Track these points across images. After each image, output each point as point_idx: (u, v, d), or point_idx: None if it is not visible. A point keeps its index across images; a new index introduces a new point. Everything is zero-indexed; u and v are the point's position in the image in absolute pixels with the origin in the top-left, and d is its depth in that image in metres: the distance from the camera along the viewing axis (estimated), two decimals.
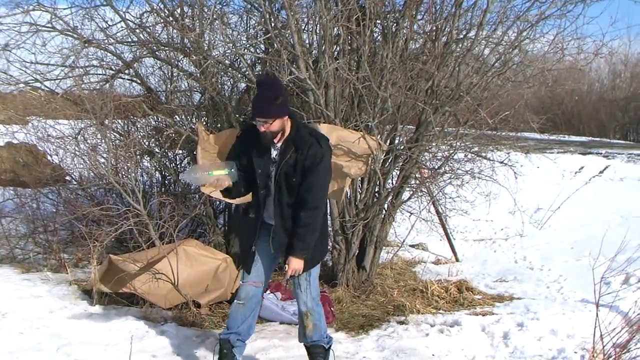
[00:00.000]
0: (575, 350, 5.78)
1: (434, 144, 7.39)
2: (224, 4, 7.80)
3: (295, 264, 4.78)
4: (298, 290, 5.03)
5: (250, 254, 5.02)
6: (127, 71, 7.99)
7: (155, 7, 7.54)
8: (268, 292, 6.59)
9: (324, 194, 4.97)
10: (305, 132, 4.88)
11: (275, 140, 4.81)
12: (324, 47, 6.68)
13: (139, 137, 8.29)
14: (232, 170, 4.74)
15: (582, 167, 15.35)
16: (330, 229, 7.42)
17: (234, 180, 4.77)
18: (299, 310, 5.13)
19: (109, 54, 7.86)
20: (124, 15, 7.64)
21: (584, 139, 24.65)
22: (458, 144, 7.48)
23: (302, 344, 5.24)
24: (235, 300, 5.18)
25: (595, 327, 5.12)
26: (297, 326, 5.30)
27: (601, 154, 18.04)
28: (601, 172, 15.24)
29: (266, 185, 4.87)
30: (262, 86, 4.84)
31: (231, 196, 5.08)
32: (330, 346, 5.25)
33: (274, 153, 4.85)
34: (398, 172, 7.50)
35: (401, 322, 6.49)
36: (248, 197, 5.20)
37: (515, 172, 7.97)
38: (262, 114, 4.68)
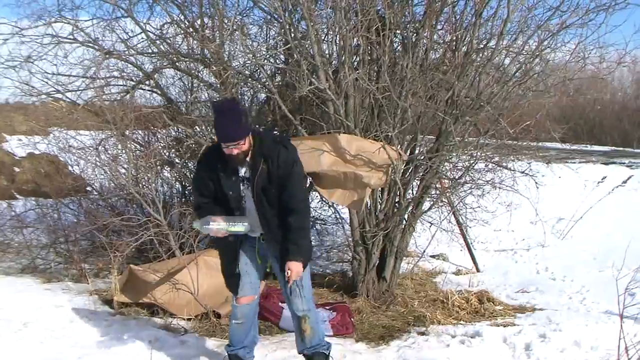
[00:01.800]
0: None
1: (454, 154, 7.36)
2: (244, 15, 7.85)
3: (296, 267, 4.73)
4: (292, 297, 4.98)
5: (235, 276, 5.02)
6: (147, 82, 8.04)
7: (175, 19, 7.60)
8: None
9: (306, 195, 5.05)
10: (269, 141, 4.86)
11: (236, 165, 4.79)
12: (343, 58, 6.67)
13: (160, 147, 8.33)
14: (247, 226, 4.79)
15: (604, 177, 15.20)
16: (350, 239, 7.43)
17: (248, 231, 4.82)
18: (294, 317, 5.08)
19: (129, 65, 7.93)
20: (144, 27, 7.71)
21: (606, 148, 24.43)
22: (479, 154, 7.44)
23: (303, 353, 5.18)
24: (232, 321, 5.19)
25: (620, 339, 5.04)
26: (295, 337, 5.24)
27: (624, 163, 17.85)
28: (624, 182, 15.08)
29: (239, 206, 4.85)
30: (224, 112, 4.69)
31: None
32: (330, 352, 5.21)
33: (242, 171, 4.81)
34: (418, 183, 7.46)
35: (422, 333, 6.45)
36: None
37: (536, 182, 7.91)
38: (232, 139, 4.61)
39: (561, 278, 8.79)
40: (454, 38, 7.19)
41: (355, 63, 7.11)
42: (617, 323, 5.19)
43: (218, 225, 4.72)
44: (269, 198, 4.78)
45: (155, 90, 8.23)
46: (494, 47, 6.97)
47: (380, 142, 6.59)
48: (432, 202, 7.82)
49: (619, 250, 6.68)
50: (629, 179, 15.40)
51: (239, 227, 4.76)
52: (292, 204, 4.76)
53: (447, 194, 7.85)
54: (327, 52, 7.14)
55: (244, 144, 4.65)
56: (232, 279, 5.04)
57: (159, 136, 8.59)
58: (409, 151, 7.28)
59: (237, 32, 7.34)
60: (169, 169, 8.41)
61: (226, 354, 5.29)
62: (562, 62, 7.56)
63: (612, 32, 7.15)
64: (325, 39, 7.23)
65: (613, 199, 12.80)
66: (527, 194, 7.96)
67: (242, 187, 4.83)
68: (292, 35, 6.71)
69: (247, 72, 7.61)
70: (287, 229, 4.78)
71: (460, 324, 6.75)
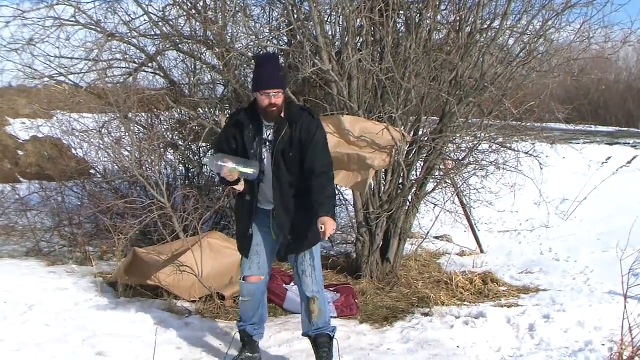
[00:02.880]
0: (602, 342, 5.71)
1: (458, 135, 7.34)
2: None
3: (329, 222, 4.57)
4: (304, 277, 4.97)
5: (248, 237, 5.01)
6: (150, 64, 8.03)
7: (178, 1, 7.56)
8: (292, 284, 6.59)
9: (330, 162, 4.93)
10: (296, 108, 4.99)
11: (267, 120, 4.82)
12: (347, 39, 6.64)
13: (163, 130, 8.34)
14: (255, 171, 4.75)
15: (609, 158, 15.16)
16: (354, 220, 7.43)
17: (255, 177, 4.78)
18: (303, 297, 5.05)
19: (132, 48, 7.91)
20: (147, 9, 7.67)
21: (611, 129, 24.34)
22: (482, 135, 7.43)
23: (307, 335, 5.16)
24: (240, 297, 5.22)
25: (624, 319, 5.05)
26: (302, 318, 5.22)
27: (629, 144, 17.79)
28: (629, 162, 15.04)
29: (259, 166, 4.84)
30: (268, 59, 4.99)
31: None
32: (334, 335, 5.19)
33: (266, 133, 4.85)
34: (422, 164, 7.46)
35: (426, 314, 6.45)
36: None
37: (540, 163, 7.90)
38: (274, 85, 4.70)
39: (565, 259, 8.79)
40: (458, 18, 7.16)
41: (359, 44, 7.08)
42: (621, 303, 5.19)
43: (229, 163, 4.70)
44: (287, 162, 4.80)
45: (158, 72, 8.21)
46: (497, 27, 6.94)
47: (383, 124, 6.57)
48: (435, 184, 7.81)
49: (623, 231, 6.66)
50: (633, 159, 15.37)
51: (248, 169, 4.72)
52: (315, 166, 4.75)
53: (451, 175, 7.84)
54: (330, 33, 7.12)
55: (280, 97, 4.74)
56: (244, 240, 5.04)
57: (162, 119, 8.59)
58: (412, 132, 7.27)
59: (239, 14, 7.31)
60: (172, 151, 8.41)
61: (237, 330, 5.35)
62: (567, 42, 7.52)
63: (618, 11, 7.11)
64: (328, 20, 7.21)
65: (617, 180, 12.78)
66: (531, 175, 7.96)
67: (263, 150, 4.85)
68: (295, 16, 6.68)
69: (250, 53, 7.58)
70: (311, 191, 4.71)
71: (464, 305, 6.76)
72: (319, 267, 5.05)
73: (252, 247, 5.03)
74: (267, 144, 4.84)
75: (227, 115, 7.25)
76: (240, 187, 4.97)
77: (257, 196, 4.93)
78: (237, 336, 5.32)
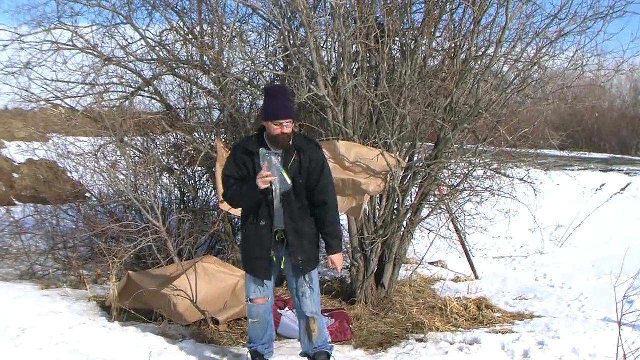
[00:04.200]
0: None
1: (453, 161, 7.37)
2: (243, 22, 7.86)
3: (337, 258, 5.17)
4: (303, 298, 5.13)
5: (269, 259, 5.10)
6: (146, 89, 8.05)
7: (175, 25, 7.61)
8: (287, 309, 6.58)
9: (335, 192, 5.24)
10: (302, 137, 5.26)
11: (275, 148, 4.97)
12: (342, 65, 6.68)
13: (159, 154, 8.34)
14: (290, 185, 4.93)
15: (603, 185, 15.19)
16: (348, 246, 7.43)
17: (287, 190, 4.94)
18: (302, 317, 5.20)
19: (129, 72, 7.94)
20: (144, 34, 7.72)
21: (605, 156, 24.42)
22: (477, 161, 7.45)
23: (306, 354, 5.26)
24: (249, 320, 5.33)
25: (618, 346, 5.05)
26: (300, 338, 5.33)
27: (623, 171, 17.84)
28: (623, 189, 15.06)
29: (270, 192, 4.97)
30: (279, 91, 5.28)
31: (245, 204, 5.18)
32: (332, 353, 5.31)
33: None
34: (417, 189, 7.47)
35: (420, 340, 6.44)
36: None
37: (535, 190, 7.92)
38: (286, 115, 4.89)
39: (560, 285, 8.79)
40: (453, 45, 7.21)
41: (354, 70, 7.13)
42: (616, 330, 5.19)
43: (277, 164, 4.87)
44: (296, 189, 4.99)
45: (154, 96, 8.23)
46: (492, 54, 6.98)
47: (378, 149, 6.60)
48: (430, 209, 7.82)
49: (617, 258, 6.68)
50: (627, 186, 15.40)
51: (289, 179, 4.89)
52: (326, 199, 5.07)
53: (446, 201, 7.85)
54: (326, 59, 7.15)
55: (290, 127, 4.92)
56: (262, 263, 5.13)
57: (158, 143, 8.60)
58: (407, 158, 7.29)
59: (236, 39, 7.36)
60: (168, 175, 8.42)
61: (248, 352, 5.46)
62: (561, 70, 7.58)
63: (610, 40, 7.16)
64: (324, 46, 7.25)
65: (612, 207, 12.80)
66: (525, 201, 7.97)
67: None
68: (291, 42, 6.73)
69: (246, 78, 7.62)
70: (322, 224, 5.12)
71: (459, 331, 6.75)
72: (317, 289, 5.21)
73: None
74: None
75: (224, 140, 7.29)
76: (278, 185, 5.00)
77: (273, 221, 5.05)
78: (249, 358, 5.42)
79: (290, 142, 4.96)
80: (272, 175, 4.81)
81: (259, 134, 5.09)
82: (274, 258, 5.11)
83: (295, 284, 5.13)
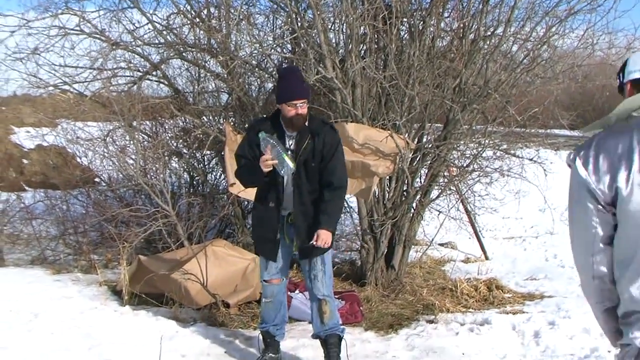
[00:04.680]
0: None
1: (462, 142, 7.34)
2: (250, 4, 7.82)
3: (324, 235, 4.93)
4: (315, 281, 5.13)
5: (276, 241, 5.11)
6: (154, 73, 8.04)
7: (182, 9, 7.58)
8: (297, 291, 6.60)
9: (346, 176, 5.19)
10: (318, 119, 5.19)
11: (290, 130, 4.97)
12: (350, 46, 6.65)
13: (167, 138, 8.34)
14: (293, 168, 4.86)
15: None
16: (358, 228, 7.43)
17: (289, 174, 4.89)
18: (314, 300, 5.20)
19: (136, 56, 7.93)
20: (151, 17, 7.69)
21: None
22: (486, 141, 7.42)
23: (318, 336, 5.27)
24: (263, 299, 5.37)
25: None
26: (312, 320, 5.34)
27: None
28: None
29: (277, 177, 4.98)
30: (292, 72, 5.21)
31: (254, 184, 5.18)
32: (343, 335, 5.31)
33: (288, 143, 4.99)
34: (426, 171, 7.46)
35: (431, 321, 6.44)
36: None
37: (545, 170, 7.88)
38: (301, 95, 4.89)
39: (570, 265, 8.75)
40: (461, 25, 7.17)
41: (362, 52, 7.10)
42: None
43: (278, 146, 4.80)
44: (308, 172, 4.98)
45: (162, 80, 8.22)
46: (501, 34, 6.94)
47: (387, 131, 6.58)
48: (440, 190, 7.81)
49: None
50: None
51: (291, 162, 4.81)
52: (332, 179, 5.01)
53: (455, 182, 7.83)
54: (333, 41, 7.12)
55: (305, 108, 4.92)
56: (270, 245, 5.14)
57: (166, 127, 8.60)
58: (416, 139, 7.27)
59: (243, 22, 7.33)
60: (176, 159, 8.42)
61: (259, 332, 5.46)
62: (571, 49, 7.53)
63: (621, 17, 7.13)
64: (332, 28, 7.22)
65: None
66: (535, 182, 7.94)
67: None
68: (299, 24, 6.70)
69: (254, 61, 7.60)
70: (321, 200, 5.01)
71: (469, 311, 6.75)
72: (329, 272, 5.20)
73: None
74: (289, 153, 4.94)
75: (232, 124, 7.28)
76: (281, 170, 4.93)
77: (282, 203, 5.05)
78: (260, 338, 5.44)
79: (306, 124, 4.95)
80: (273, 158, 4.77)
81: (274, 117, 5.08)
82: (287, 240, 5.13)
83: (308, 266, 5.13)
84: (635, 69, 2.62)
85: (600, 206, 2.50)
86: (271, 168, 4.82)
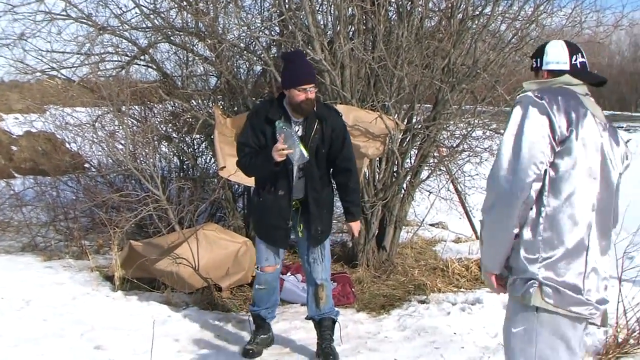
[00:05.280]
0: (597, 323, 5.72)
1: (451, 122, 7.35)
2: None
3: (357, 225, 5.32)
4: (314, 264, 5.12)
5: (288, 229, 5.07)
6: (142, 57, 8.00)
7: None
8: (289, 274, 6.62)
9: (356, 160, 5.26)
10: (323, 105, 5.16)
11: (298, 116, 4.90)
12: (338, 28, 6.64)
13: (156, 122, 8.32)
14: (307, 157, 4.77)
15: None
16: None
17: (303, 163, 4.80)
18: (311, 284, 5.19)
19: (124, 41, 7.88)
20: (138, 1, 7.65)
21: (605, 112, 24.30)
22: (476, 121, 7.43)
23: (312, 318, 5.29)
24: (256, 286, 5.32)
25: (619, 302, 5.08)
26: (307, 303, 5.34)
27: (622, 127, 17.86)
28: None
29: (290, 162, 4.86)
30: (300, 56, 5.05)
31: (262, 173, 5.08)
32: (337, 318, 5.34)
33: (295, 129, 4.88)
34: (416, 151, 7.46)
35: (422, 302, 6.48)
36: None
37: None
38: (311, 79, 4.81)
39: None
40: (449, 5, 7.15)
41: (351, 33, 7.08)
42: (616, 286, 5.21)
43: (294, 136, 4.72)
44: (318, 158, 4.96)
45: (150, 65, 8.18)
46: (489, 13, 6.93)
47: (377, 112, 6.57)
48: (430, 171, 7.83)
49: None
50: (626, 142, 15.31)
51: (305, 151, 4.72)
52: (350, 166, 5.09)
53: (445, 162, 7.85)
54: (321, 22, 7.11)
55: (314, 92, 4.84)
56: (281, 231, 5.08)
57: (155, 111, 8.58)
58: (406, 120, 7.28)
59: (231, 5, 7.28)
60: (166, 143, 8.40)
61: (249, 314, 5.49)
62: (559, 27, 7.52)
63: None
64: (320, 10, 7.20)
65: None
66: None
67: None
68: (287, 6, 6.66)
69: (242, 44, 7.57)
70: (345, 190, 5.17)
71: (461, 291, 6.78)
72: (328, 256, 5.22)
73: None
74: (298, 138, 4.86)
75: (221, 107, 7.26)
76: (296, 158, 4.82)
77: (292, 191, 4.99)
78: (250, 320, 5.48)
79: (315, 109, 4.88)
80: (289, 148, 4.65)
81: (277, 101, 4.97)
82: (298, 227, 5.10)
83: (307, 250, 5.11)
84: (552, 60, 3.20)
85: (553, 142, 2.90)
86: (284, 157, 4.70)
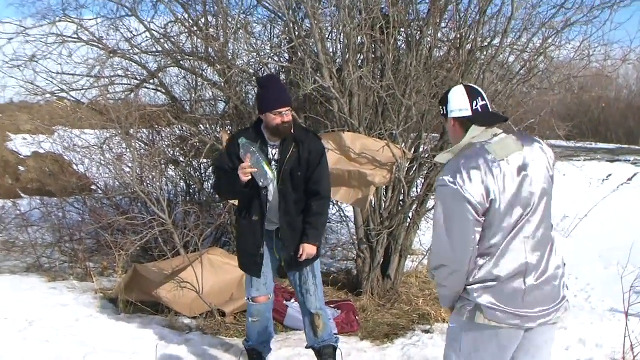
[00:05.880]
0: (604, 359, 5.69)
1: None
2: (248, 13, 7.83)
3: (309, 249, 4.90)
4: (307, 295, 5.07)
5: (259, 256, 5.02)
6: (152, 81, 8.05)
7: (179, 17, 7.61)
8: (292, 300, 6.58)
9: (330, 186, 5.12)
10: (301, 127, 5.15)
11: (274, 139, 4.88)
12: (347, 56, 6.67)
13: (164, 146, 8.35)
14: (273, 178, 4.76)
15: (609, 175, 15.17)
16: (355, 237, 7.42)
17: (268, 184, 4.79)
18: (306, 314, 5.15)
19: (134, 64, 7.94)
20: (148, 26, 7.71)
21: (611, 146, 24.34)
22: None
23: (312, 347, 5.25)
24: (249, 319, 5.28)
25: (625, 337, 5.04)
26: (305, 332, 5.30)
27: (629, 161, 17.79)
28: (629, 179, 15.03)
29: (265, 186, 4.86)
30: (273, 80, 5.20)
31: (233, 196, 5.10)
32: (338, 345, 5.29)
33: (271, 153, 4.89)
34: (423, 181, 7.46)
35: (426, 331, 6.44)
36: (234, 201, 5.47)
37: None
38: (285, 102, 4.78)
39: (566, 276, 8.75)
40: (458, 36, 7.18)
41: (360, 61, 7.10)
42: (623, 321, 5.19)
43: (257, 154, 4.68)
44: (294, 182, 4.89)
45: (159, 89, 8.24)
46: (498, 44, 6.96)
47: (384, 141, 6.58)
48: None
49: (624, 248, 6.67)
50: (634, 176, 15.37)
51: (270, 172, 4.69)
52: (319, 189, 4.95)
53: None
54: (331, 50, 7.13)
55: (290, 115, 4.81)
56: (253, 260, 5.04)
57: (163, 135, 8.61)
58: (413, 149, 7.28)
59: (241, 31, 7.34)
60: (173, 167, 8.42)
61: (244, 348, 5.42)
62: (567, 60, 7.55)
63: (617, 29, 7.14)
64: (329, 37, 7.23)
65: (618, 197, 12.76)
66: None
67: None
68: (296, 33, 6.71)
69: (251, 70, 7.61)
70: (307, 212, 4.94)
71: None
72: (320, 284, 5.15)
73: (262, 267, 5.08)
74: (273, 163, 4.87)
75: (229, 132, 7.28)
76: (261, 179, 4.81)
77: (265, 216, 4.94)
78: (244, 354, 5.42)
79: (292, 131, 4.86)
80: (253, 166, 4.65)
81: (253, 126, 4.99)
82: (276, 254, 5.07)
83: (299, 280, 5.06)
84: (455, 108, 3.37)
85: (477, 217, 3.13)
86: (250, 177, 4.69)
